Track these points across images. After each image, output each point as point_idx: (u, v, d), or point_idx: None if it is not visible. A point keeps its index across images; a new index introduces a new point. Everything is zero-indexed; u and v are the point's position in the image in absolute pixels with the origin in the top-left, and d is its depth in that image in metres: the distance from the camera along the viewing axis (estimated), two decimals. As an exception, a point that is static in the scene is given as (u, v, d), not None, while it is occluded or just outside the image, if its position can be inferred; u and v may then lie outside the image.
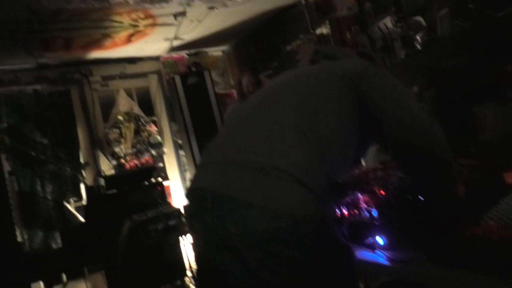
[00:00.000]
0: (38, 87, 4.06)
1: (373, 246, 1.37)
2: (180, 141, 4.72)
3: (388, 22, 3.06)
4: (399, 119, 1.18)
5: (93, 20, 3.23)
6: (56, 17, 3.00)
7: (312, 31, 3.88)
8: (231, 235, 1.07)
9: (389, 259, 1.28)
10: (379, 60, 1.70)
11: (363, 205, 1.54)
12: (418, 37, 2.84)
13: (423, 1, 2.79)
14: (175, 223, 2.90)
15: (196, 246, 1.24)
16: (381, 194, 1.57)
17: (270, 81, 1.48)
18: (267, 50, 4.45)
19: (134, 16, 3.34)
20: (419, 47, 2.83)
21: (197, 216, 1.19)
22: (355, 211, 1.57)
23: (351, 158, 1.30)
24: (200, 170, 1.25)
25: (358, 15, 3.32)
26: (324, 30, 3.79)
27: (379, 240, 1.37)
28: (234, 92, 5.03)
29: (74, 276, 3.98)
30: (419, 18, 2.85)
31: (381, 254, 1.32)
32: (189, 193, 1.24)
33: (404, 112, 1.20)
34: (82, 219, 3.63)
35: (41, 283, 3.34)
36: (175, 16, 3.49)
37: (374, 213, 1.47)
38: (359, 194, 1.57)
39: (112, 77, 4.53)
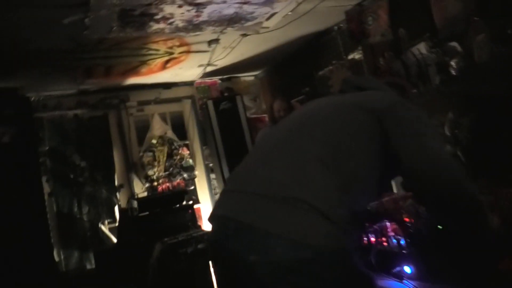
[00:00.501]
0: (78, 111, 4.27)
1: (400, 276, 1.32)
2: (211, 165, 4.77)
3: (422, 48, 3.02)
4: (419, 157, 1.16)
5: (132, 49, 3.39)
6: (98, 46, 3.18)
7: (344, 56, 3.89)
8: (252, 264, 1.07)
9: (419, 291, 1.23)
10: (409, 88, 1.66)
11: (391, 233, 1.49)
12: (453, 63, 2.78)
13: (459, 27, 2.74)
14: (204, 247, 2.91)
15: (217, 273, 1.25)
16: (410, 222, 1.53)
17: (298, 109, 1.49)
18: (299, 75, 4.48)
19: (169, 44, 3.47)
20: (454, 73, 2.77)
21: (218, 243, 1.20)
22: (383, 239, 1.53)
23: (375, 191, 1.29)
24: (224, 196, 1.27)
25: (392, 41, 3.30)
26: (356, 55, 3.78)
27: (407, 269, 1.32)
28: (265, 116, 5.07)
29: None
30: (455, 44, 2.80)
31: (409, 284, 1.27)
32: (212, 219, 1.26)
33: (425, 150, 1.17)
34: (115, 240, 3.70)
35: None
36: (209, 43, 3.60)
37: (403, 242, 1.42)
38: (387, 222, 1.52)
39: (147, 102, 4.69)
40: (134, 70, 3.95)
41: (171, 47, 3.58)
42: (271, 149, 1.26)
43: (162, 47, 3.53)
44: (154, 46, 3.46)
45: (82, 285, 2.70)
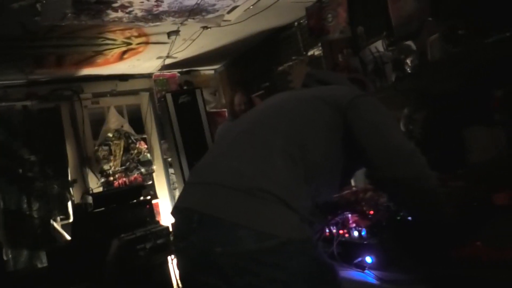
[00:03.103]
0: (28, 103, 4.04)
1: (362, 266, 1.36)
2: (170, 159, 4.70)
3: (379, 45, 3.11)
4: (382, 148, 1.20)
5: (86, 38, 3.25)
6: (50, 34, 3.01)
7: (304, 52, 3.94)
8: (216, 255, 1.07)
9: (378, 279, 1.27)
10: (369, 84, 1.71)
11: (353, 225, 1.53)
12: (408, 61, 2.89)
13: (414, 26, 2.85)
14: (163, 242, 2.86)
15: (180, 266, 1.23)
16: (370, 214, 1.57)
17: (262, 103, 1.50)
18: (259, 70, 4.50)
19: (127, 34, 3.36)
20: (409, 70, 2.88)
21: (182, 236, 1.19)
22: (345, 230, 1.57)
23: (338, 183, 1.33)
24: (187, 189, 1.25)
25: (350, 38, 3.38)
26: (316, 52, 3.84)
27: (368, 259, 1.36)
28: (225, 111, 5.04)
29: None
30: (410, 43, 2.91)
31: (370, 273, 1.31)
32: (175, 212, 1.24)
33: (388, 141, 1.21)
34: (68, 237, 3.55)
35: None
36: (169, 34, 3.52)
37: (363, 232, 1.46)
38: (348, 214, 1.56)
39: (103, 94, 4.53)
40: (88, 60, 3.79)
41: (129, 37, 3.46)
42: (235, 141, 1.26)
43: (119, 37, 3.41)
44: (110, 35, 3.33)
45: (34, 285, 2.56)
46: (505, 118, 2.31)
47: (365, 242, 1.43)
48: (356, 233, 1.51)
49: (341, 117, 1.24)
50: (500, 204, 1.36)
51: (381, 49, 3.09)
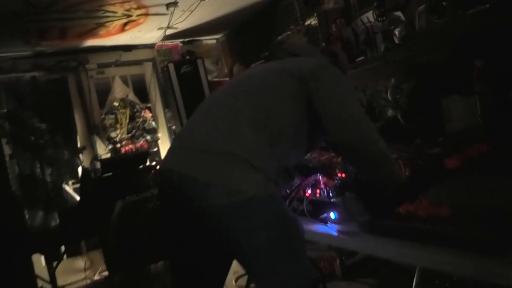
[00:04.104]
0: (35, 74, 4.22)
1: (326, 220, 1.55)
2: (174, 127, 4.88)
3: (370, 16, 3.19)
4: (336, 115, 1.35)
5: (87, 11, 3.37)
6: (51, 8, 3.14)
7: (301, 22, 4.01)
8: (194, 209, 1.26)
9: (337, 231, 1.47)
10: (343, 56, 1.82)
11: (322, 186, 1.72)
12: (396, 32, 2.98)
13: (403, -3, 2.92)
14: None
15: (164, 221, 1.44)
16: (341, 176, 1.75)
17: (238, 75, 1.65)
18: (258, 40, 4.58)
19: (126, 6, 3.47)
20: (397, 41, 2.97)
21: (165, 193, 1.40)
22: (317, 190, 1.76)
23: (304, 148, 1.49)
24: (169, 152, 1.44)
25: (344, 9, 3.45)
26: (312, 21, 3.92)
27: (332, 215, 1.56)
28: (227, 80, 5.16)
29: (73, 253, 4.21)
30: (399, 13, 2.99)
31: (332, 226, 1.51)
32: (160, 173, 1.44)
33: (341, 110, 1.36)
34: (78, 199, 3.81)
35: (42, 258, 3.57)
36: (167, 6, 3.62)
37: (331, 192, 1.65)
38: (319, 176, 1.75)
39: (108, 65, 4.68)
40: (91, 32, 3.92)
41: (128, 10, 3.57)
42: (209, 111, 1.43)
43: (119, 9, 3.52)
44: (110, 8, 3.44)
45: (49, 239, 2.84)
46: (483, 88, 2.42)
47: (331, 201, 1.62)
48: (325, 193, 1.70)
49: (305, 88, 1.39)
50: (450, 168, 1.52)
51: (372, 19, 3.17)
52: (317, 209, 1.64)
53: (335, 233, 1.48)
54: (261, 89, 1.41)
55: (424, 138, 2.60)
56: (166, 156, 1.44)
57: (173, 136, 5.01)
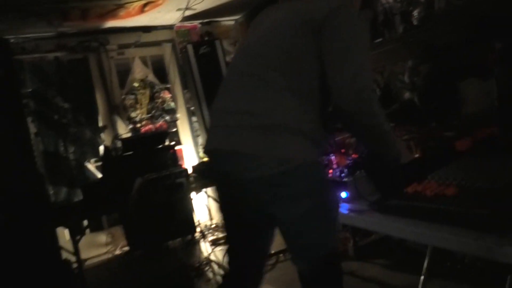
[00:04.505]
0: (58, 54, 4.33)
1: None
2: (192, 108, 4.96)
3: (389, -4, 3.15)
4: (339, 75, 1.30)
5: (107, -8, 3.43)
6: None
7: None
8: (245, 181, 1.35)
9: (348, 210, 1.52)
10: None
11: (335, 166, 1.76)
12: (415, 13, 2.94)
13: (423, -23, 2.87)
14: (181, 181, 3.18)
15: (220, 195, 1.55)
16: (353, 157, 1.80)
17: (250, 32, 1.61)
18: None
19: (146, -13, 3.52)
20: (415, 22, 2.94)
21: (218, 169, 1.48)
22: (330, 171, 1.80)
23: (326, 102, 1.41)
24: (212, 132, 1.50)
25: (363, -11, 3.41)
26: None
27: (343, 194, 1.60)
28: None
29: (96, 228, 4.39)
30: (418, -6, 2.95)
31: (344, 205, 1.56)
32: (207, 154, 1.52)
33: (346, 68, 1.29)
34: (100, 176, 3.94)
35: (66, 232, 3.74)
36: (186, -13, 3.64)
37: (343, 172, 1.70)
38: (332, 156, 1.79)
39: (128, 46, 4.74)
40: (111, 13, 3.98)
41: (147, -10, 3.62)
42: (239, 85, 1.44)
43: (138, -10, 3.58)
44: (130, -11, 3.50)
45: (72, 213, 2.98)
46: (501, 71, 2.39)
47: (343, 180, 1.67)
48: (338, 173, 1.74)
49: (318, 36, 1.33)
50: (461, 150, 1.54)
51: (391, 0, 3.13)
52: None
53: (346, 212, 1.53)
54: (282, 51, 1.37)
55: (440, 121, 2.61)
56: (209, 137, 1.50)
57: (191, 117, 5.09)
